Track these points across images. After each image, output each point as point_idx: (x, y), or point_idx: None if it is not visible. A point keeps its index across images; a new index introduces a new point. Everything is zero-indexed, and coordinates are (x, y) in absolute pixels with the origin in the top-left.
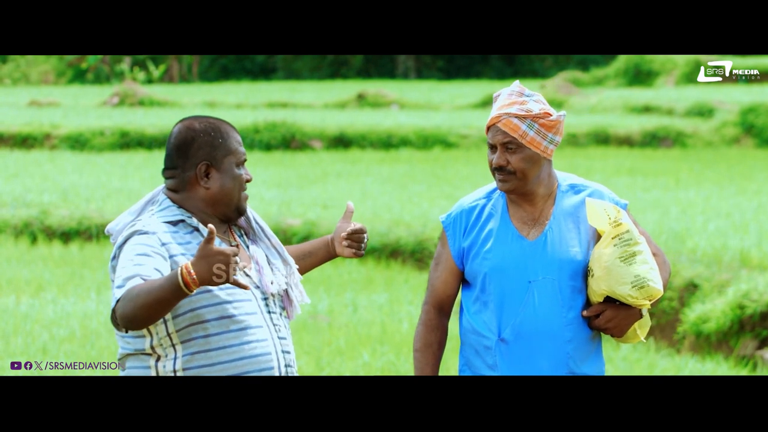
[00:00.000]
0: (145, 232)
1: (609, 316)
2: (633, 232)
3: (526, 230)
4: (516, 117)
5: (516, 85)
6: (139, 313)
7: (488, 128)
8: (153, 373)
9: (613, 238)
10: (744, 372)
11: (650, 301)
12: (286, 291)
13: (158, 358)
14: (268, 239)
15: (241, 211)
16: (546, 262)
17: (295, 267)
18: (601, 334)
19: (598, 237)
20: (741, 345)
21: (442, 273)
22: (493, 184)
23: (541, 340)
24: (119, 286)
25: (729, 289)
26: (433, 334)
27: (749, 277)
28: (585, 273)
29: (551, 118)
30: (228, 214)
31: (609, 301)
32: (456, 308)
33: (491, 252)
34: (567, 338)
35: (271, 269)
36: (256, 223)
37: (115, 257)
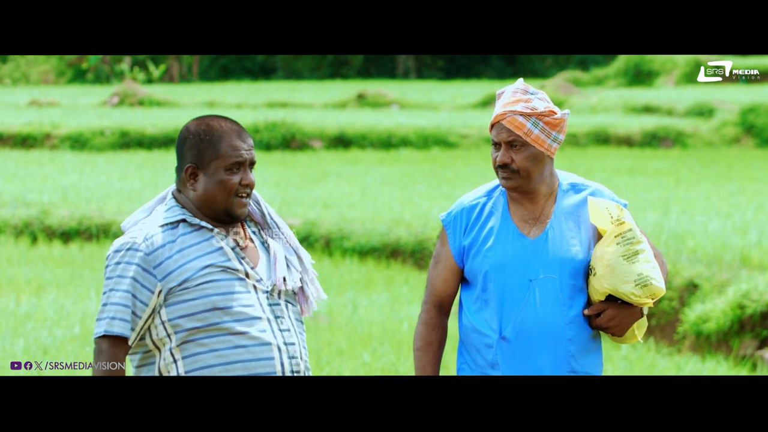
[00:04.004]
0: (131, 248)
1: (610, 315)
2: (636, 231)
3: (527, 229)
4: (521, 114)
5: (520, 83)
6: None
7: (492, 126)
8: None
9: (615, 237)
10: (744, 372)
11: (653, 299)
12: (301, 288)
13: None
14: (284, 236)
15: (232, 216)
16: (547, 261)
17: (310, 264)
18: (601, 333)
19: (598, 236)
20: (741, 345)
21: (441, 271)
22: (494, 182)
23: (542, 338)
24: (96, 333)
25: (729, 289)
26: (434, 332)
27: (749, 277)
28: (586, 272)
29: (556, 116)
30: (218, 217)
31: (610, 299)
32: (455, 307)
33: (492, 250)
34: (568, 337)
35: (288, 266)
36: (271, 218)
37: (107, 263)
